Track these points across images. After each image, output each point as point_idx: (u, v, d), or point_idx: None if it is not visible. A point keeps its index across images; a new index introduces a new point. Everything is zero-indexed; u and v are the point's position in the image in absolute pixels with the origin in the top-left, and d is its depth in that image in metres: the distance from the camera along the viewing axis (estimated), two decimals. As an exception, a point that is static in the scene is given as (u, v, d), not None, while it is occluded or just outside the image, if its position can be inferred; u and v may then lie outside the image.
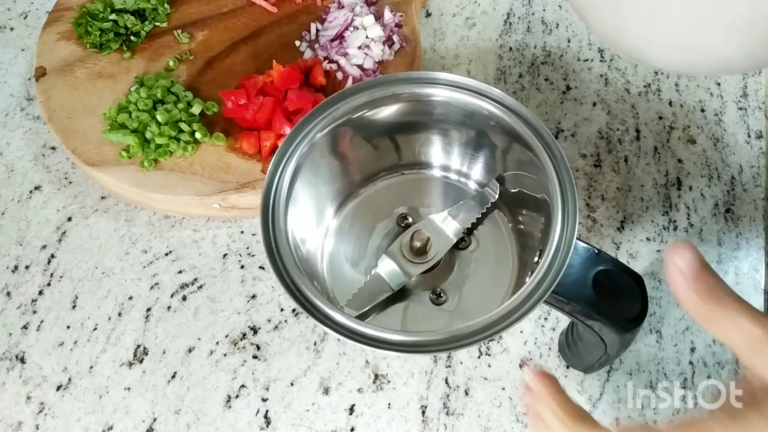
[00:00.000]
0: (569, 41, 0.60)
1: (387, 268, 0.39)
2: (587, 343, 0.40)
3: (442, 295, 0.40)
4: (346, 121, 0.40)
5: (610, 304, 0.34)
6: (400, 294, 0.40)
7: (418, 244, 0.39)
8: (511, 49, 0.60)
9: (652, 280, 0.48)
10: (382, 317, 0.40)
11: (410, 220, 0.43)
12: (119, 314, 0.48)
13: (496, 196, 0.42)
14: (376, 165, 0.44)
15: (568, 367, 0.45)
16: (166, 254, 0.50)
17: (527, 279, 0.35)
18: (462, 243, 0.41)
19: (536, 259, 0.39)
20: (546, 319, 0.47)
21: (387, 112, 0.41)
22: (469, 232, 0.42)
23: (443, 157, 0.44)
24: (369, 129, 0.41)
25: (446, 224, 0.40)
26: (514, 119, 0.38)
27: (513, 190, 0.42)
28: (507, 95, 0.38)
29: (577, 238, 0.34)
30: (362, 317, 0.39)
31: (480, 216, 0.41)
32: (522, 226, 0.42)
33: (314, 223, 0.42)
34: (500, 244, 0.42)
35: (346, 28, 0.55)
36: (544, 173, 0.36)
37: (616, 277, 0.35)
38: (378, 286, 0.39)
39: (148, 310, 0.48)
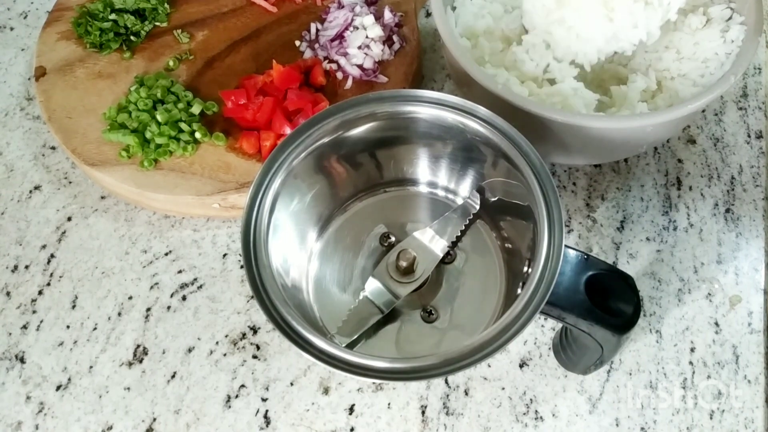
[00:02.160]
0: (569, 41, 0.60)
1: (375, 290, 0.39)
2: (582, 346, 0.40)
3: (433, 312, 0.39)
4: (324, 144, 0.39)
5: (604, 307, 0.34)
6: (391, 315, 0.39)
7: (404, 263, 0.38)
8: (511, 49, 0.60)
9: (651, 280, 0.48)
10: (375, 341, 0.39)
11: (393, 239, 0.42)
12: (119, 314, 0.48)
13: (477, 207, 0.41)
14: (356, 185, 0.43)
15: (568, 367, 0.45)
16: (166, 254, 0.50)
17: (519, 289, 0.35)
18: (447, 257, 0.41)
19: (525, 268, 0.38)
20: (545, 319, 0.47)
21: (363, 131, 0.40)
22: (453, 245, 0.41)
23: (423, 172, 0.43)
24: (347, 150, 0.41)
25: (430, 240, 0.40)
26: (491, 130, 0.37)
27: (493, 199, 0.41)
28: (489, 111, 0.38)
29: (565, 245, 0.34)
30: (354, 343, 0.38)
31: (463, 228, 0.41)
32: (506, 234, 0.41)
33: (297, 249, 0.41)
34: (486, 255, 0.41)
35: (346, 28, 0.55)
36: (525, 182, 0.36)
37: (606, 280, 0.35)
38: (367, 310, 0.38)
39: (148, 310, 0.48)
